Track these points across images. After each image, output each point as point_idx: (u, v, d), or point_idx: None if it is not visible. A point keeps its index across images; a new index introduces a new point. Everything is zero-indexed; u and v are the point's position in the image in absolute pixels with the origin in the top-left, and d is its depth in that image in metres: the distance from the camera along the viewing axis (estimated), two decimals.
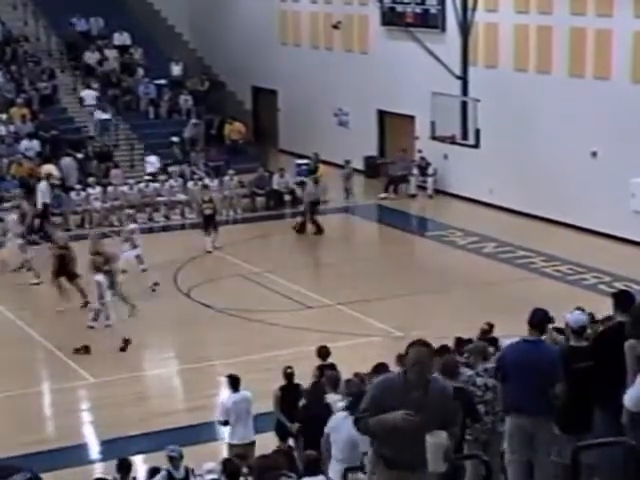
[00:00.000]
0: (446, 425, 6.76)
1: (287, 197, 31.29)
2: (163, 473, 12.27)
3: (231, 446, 14.28)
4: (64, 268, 21.82)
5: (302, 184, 30.40)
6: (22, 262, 24.41)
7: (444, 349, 12.71)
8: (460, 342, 14.56)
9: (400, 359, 13.76)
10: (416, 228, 30.44)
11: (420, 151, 32.14)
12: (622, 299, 9.44)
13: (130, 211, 27.21)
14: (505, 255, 26.02)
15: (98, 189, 29.63)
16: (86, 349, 19.68)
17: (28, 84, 34.24)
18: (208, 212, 26.75)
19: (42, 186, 28.33)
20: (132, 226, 24.54)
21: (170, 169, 31.62)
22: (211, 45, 40.27)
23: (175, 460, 12.29)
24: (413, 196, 32.18)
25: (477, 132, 25.92)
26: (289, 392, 14.17)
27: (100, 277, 19.95)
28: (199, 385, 18.65)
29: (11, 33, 36.59)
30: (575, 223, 27.33)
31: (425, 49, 28.14)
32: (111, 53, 36.50)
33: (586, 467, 8.01)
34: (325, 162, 33.07)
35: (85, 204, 29.21)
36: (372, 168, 34.30)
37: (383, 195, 32.18)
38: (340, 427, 10.73)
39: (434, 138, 27.51)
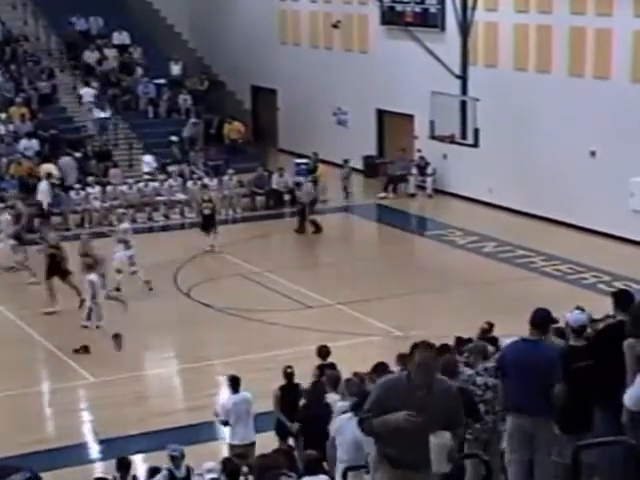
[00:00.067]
0: (450, 426, 6.78)
1: (286, 197, 31.27)
2: (164, 472, 12.28)
3: (232, 446, 14.28)
4: (56, 267, 21.81)
5: (298, 185, 30.40)
6: (15, 263, 24.40)
7: (445, 348, 12.71)
8: (460, 341, 14.57)
9: (400, 358, 13.76)
10: (415, 228, 30.44)
11: (419, 150, 32.15)
12: (622, 298, 9.44)
13: (121, 210, 27.19)
14: (505, 254, 26.03)
15: (97, 188, 29.64)
16: (86, 349, 19.68)
17: (27, 83, 34.25)
18: (207, 212, 26.73)
19: (43, 186, 28.33)
20: (124, 226, 24.41)
21: (169, 168, 31.61)
22: (210, 44, 40.27)
23: (177, 459, 12.30)
24: (412, 195, 32.18)
25: (476, 131, 25.92)
26: (289, 392, 14.18)
27: (93, 276, 19.92)
28: (199, 385, 18.66)
29: (11, 32, 36.60)
30: (574, 222, 27.34)
31: (425, 48, 28.13)
32: (110, 52, 36.50)
33: (586, 466, 8.01)
34: (324, 161, 33.07)
35: (84, 203, 29.21)
36: (371, 167, 34.30)
37: (382, 195, 32.18)
38: (344, 428, 10.71)
39: (433, 137, 27.51)
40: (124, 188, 29.92)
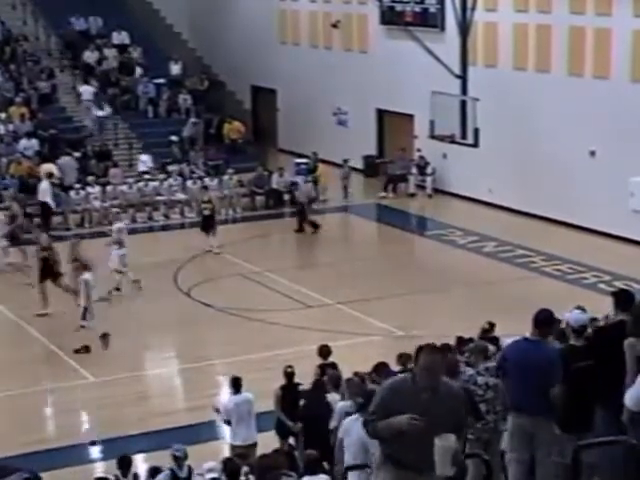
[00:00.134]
0: (455, 428, 6.78)
1: (286, 196, 31.27)
2: (167, 472, 12.29)
3: (233, 447, 14.28)
4: (49, 270, 21.77)
5: (294, 184, 30.41)
6: (5, 265, 24.39)
7: (445, 348, 12.71)
8: (461, 341, 14.58)
9: (400, 358, 13.79)
10: (415, 227, 30.45)
11: (419, 150, 32.15)
12: (622, 298, 9.45)
13: (115, 210, 27.17)
14: (505, 254, 26.03)
15: (97, 188, 29.64)
16: (86, 349, 19.68)
17: (27, 83, 34.26)
18: (207, 213, 26.73)
19: (44, 185, 28.32)
20: (118, 225, 24.36)
21: (169, 168, 31.60)
22: (210, 44, 40.27)
23: (179, 459, 12.31)
24: (412, 195, 32.19)
25: (476, 131, 25.93)
26: (289, 391, 14.19)
27: (87, 276, 19.87)
28: (199, 385, 18.66)
29: (10, 32, 36.60)
30: (575, 222, 27.34)
31: (424, 48, 28.13)
32: (110, 52, 36.50)
33: (587, 466, 8.02)
34: (324, 161, 33.07)
35: (84, 203, 29.22)
36: (371, 167, 34.30)
37: (382, 194, 32.18)
38: (351, 430, 10.69)
39: (433, 137, 27.52)
40: (124, 188, 29.92)
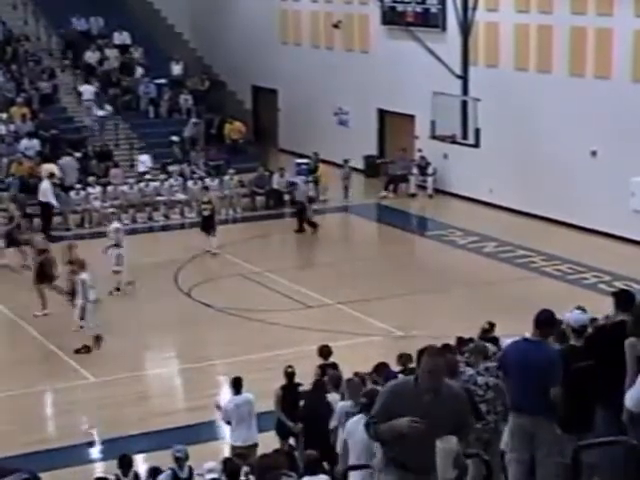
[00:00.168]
0: (458, 430, 6.78)
1: (287, 197, 31.27)
2: (168, 472, 12.31)
3: (234, 447, 14.27)
4: (46, 273, 21.73)
5: (293, 184, 30.41)
6: (1, 265, 24.41)
7: (446, 348, 12.70)
8: (461, 342, 14.57)
9: (400, 358, 13.80)
10: (416, 227, 30.45)
11: (420, 150, 32.15)
12: (622, 298, 9.44)
13: (111, 210, 27.16)
14: (505, 254, 26.02)
15: (98, 188, 29.64)
16: (87, 349, 19.69)
17: (28, 83, 34.26)
18: (206, 213, 26.72)
19: (45, 185, 28.32)
20: (115, 225, 24.34)
21: (170, 168, 31.61)
22: (211, 44, 40.27)
23: (181, 460, 12.32)
24: (413, 195, 32.18)
25: (477, 131, 25.96)
26: (290, 391, 14.18)
27: (84, 276, 19.83)
28: (199, 385, 18.66)
29: (11, 32, 36.62)
30: (575, 222, 27.33)
31: (426, 48, 28.15)
32: (111, 52, 36.51)
33: (587, 466, 8.01)
34: (325, 161, 33.07)
35: (85, 203, 29.22)
36: (372, 167, 34.30)
37: (383, 194, 32.18)
38: (355, 431, 10.67)
39: (434, 137, 27.54)
40: (125, 188, 29.92)
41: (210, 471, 12.14)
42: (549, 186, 28.02)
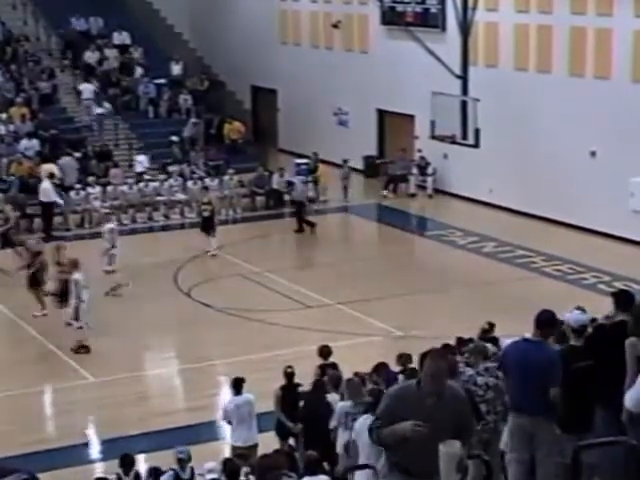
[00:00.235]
0: (461, 432, 6.78)
1: (287, 197, 31.27)
2: (170, 473, 12.31)
3: (234, 448, 14.27)
4: (37, 278, 21.69)
5: (290, 184, 30.41)
6: None
7: (447, 349, 12.70)
8: (461, 342, 14.57)
9: (400, 358, 13.80)
10: (416, 228, 30.45)
11: (420, 150, 32.15)
12: (622, 298, 9.44)
13: (105, 210, 27.12)
14: (505, 255, 26.03)
15: (98, 188, 29.64)
16: (86, 349, 19.68)
17: (28, 83, 34.26)
18: (206, 214, 26.71)
19: (45, 185, 28.31)
20: (109, 226, 24.30)
21: (170, 168, 31.60)
22: (211, 45, 40.28)
23: (183, 462, 12.33)
24: (413, 195, 32.19)
25: (477, 132, 25.94)
26: (290, 392, 14.18)
27: (77, 275, 19.79)
28: (199, 385, 18.66)
29: (11, 33, 36.62)
30: (575, 222, 27.33)
31: (425, 48, 28.14)
32: (111, 52, 36.51)
33: (587, 467, 8.00)
34: (325, 162, 33.07)
35: (84, 203, 29.21)
36: (371, 167, 34.30)
37: (383, 193, 32.17)
38: (363, 431, 10.67)
39: (434, 137, 27.53)
40: (124, 188, 29.92)
41: (210, 471, 12.15)
42: (549, 186, 28.02)
